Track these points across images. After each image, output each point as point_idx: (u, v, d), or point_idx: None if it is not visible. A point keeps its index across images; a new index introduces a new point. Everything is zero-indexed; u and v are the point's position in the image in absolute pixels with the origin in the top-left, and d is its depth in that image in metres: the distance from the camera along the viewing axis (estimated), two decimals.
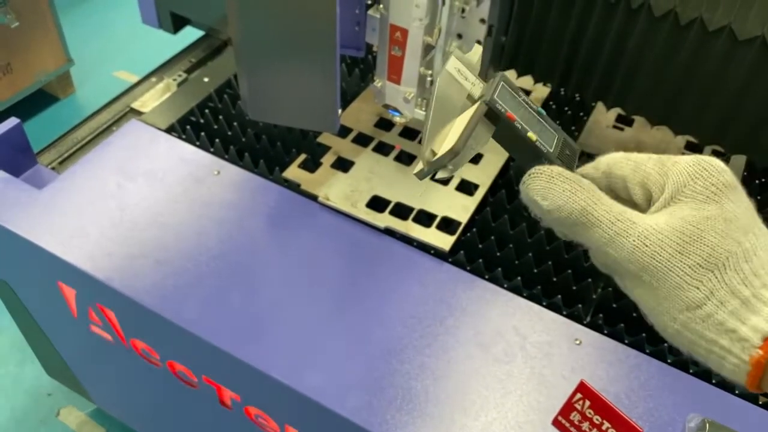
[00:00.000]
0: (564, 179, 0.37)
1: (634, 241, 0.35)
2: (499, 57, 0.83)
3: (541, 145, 0.40)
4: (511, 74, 0.87)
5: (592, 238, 0.36)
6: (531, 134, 0.40)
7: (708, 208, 0.35)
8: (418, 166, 0.46)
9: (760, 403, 0.72)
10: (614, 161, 0.39)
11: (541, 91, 1.06)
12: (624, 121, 1.02)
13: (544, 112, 0.42)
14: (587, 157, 0.96)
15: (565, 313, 0.78)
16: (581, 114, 1.04)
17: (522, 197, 0.38)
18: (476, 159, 0.95)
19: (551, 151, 0.40)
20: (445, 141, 0.43)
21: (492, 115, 0.41)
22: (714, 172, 0.36)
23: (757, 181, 0.94)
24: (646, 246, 0.34)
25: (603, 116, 1.02)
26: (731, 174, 0.36)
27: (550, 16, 0.78)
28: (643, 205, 0.38)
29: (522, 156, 0.40)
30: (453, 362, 0.72)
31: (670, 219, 0.35)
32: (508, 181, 0.94)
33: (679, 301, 0.34)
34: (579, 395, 0.63)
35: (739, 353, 0.33)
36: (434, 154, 0.44)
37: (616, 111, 1.02)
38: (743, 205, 0.35)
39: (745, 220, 0.35)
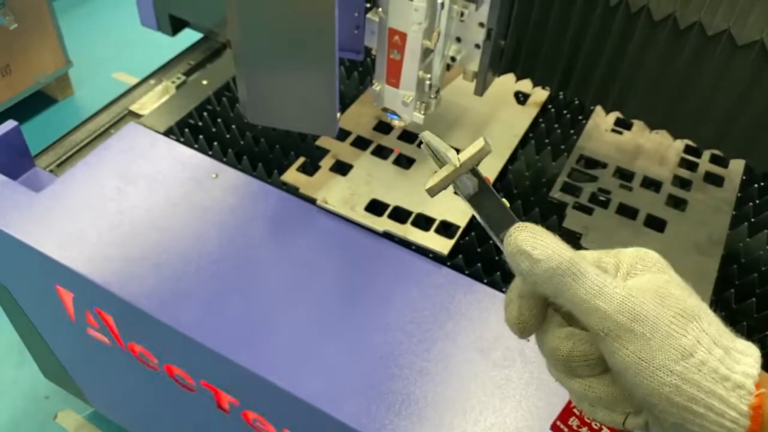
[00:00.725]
0: (548, 234, 0.37)
1: (622, 291, 0.35)
2: (498, 61, 0.83)
3: (513, 212, 0.40)
4: (509, 78, 0.87)
5: (580, 290, 0.35)
6: (505, 202, 0.41)
7: (663, 276, 0.37)
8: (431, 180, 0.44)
9: None
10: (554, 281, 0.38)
11: (540, 94, 1.06)
12: (623, 124, 1.02)
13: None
14: (586, 160, 0.96)
15: None
16: (580, 118, 1.04)
17: (507, 253, 0.37)
18: None
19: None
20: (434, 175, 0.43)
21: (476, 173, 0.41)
22: (655, 256, 0.38)
23: (755, 185, 0.94)
24: (634, 296, 0.35)
25: (602, 120, 1.02)
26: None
27: (549, 20, 0.78)
28: None
29: (495, 222, 0.40)
30: (452, 367, 0.72)
31: (637, 282, 0.36)
32: (506, 184, 0.94)
33: (673, 351, 0.34)
34: None
35: (736, 404, 0.33)
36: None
37: (614, 115, 1.02)
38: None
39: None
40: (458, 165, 0.41)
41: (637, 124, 1.02)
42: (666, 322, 0.34)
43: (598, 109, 1.03)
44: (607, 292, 0.35)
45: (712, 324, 0.35)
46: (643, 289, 0.36)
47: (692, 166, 0.97)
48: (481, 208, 0.41)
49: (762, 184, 0.95)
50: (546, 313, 0.40)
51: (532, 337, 0.43)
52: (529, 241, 0.36)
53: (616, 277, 0.37)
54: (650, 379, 0.34)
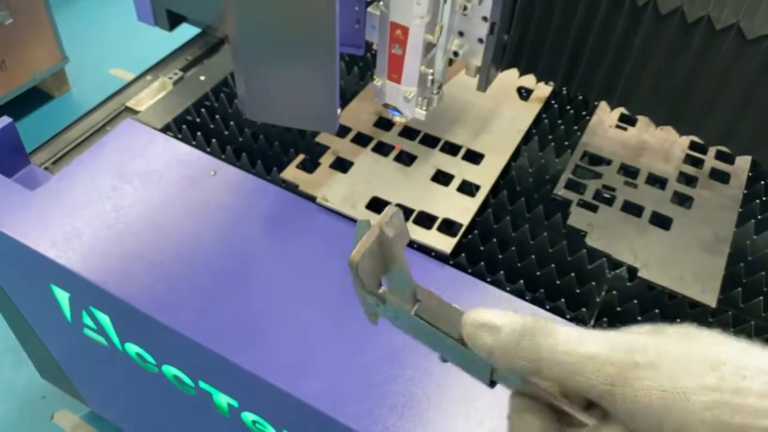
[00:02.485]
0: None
1: (603, 333, 0.30)
2: (501, 56, 0.82)
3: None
4: (512, 73, 0.86)
5: (558, 345, 0.31)
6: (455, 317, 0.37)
7: None
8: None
9: None
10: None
11: (543, 90, 1.05)
12: (627, 120, 1.01)
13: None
14: (590, 157, 0.94)
15: (568, 316, 0.76)
16: (584, 113, 1.03)
17: (468, 337, 0.34)
18: (477, 160, 0.94)
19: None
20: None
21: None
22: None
23: (762, 182, 0.93)
24: (621, 332, 0.30)
25: (606, 116, 1.01)
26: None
27: (553, 14, 0.77)
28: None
29: (445, 323, 0.37)
30: (456, 368, 0.71)
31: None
32: (509, 181, 0.92)
33: (696, 364, 0.28)
34: None
35: None
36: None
37: (619, 111, 1.01)
38: None
39: None
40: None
41: (642, 120, 1.01)
42: (673, 343, 0.28)
43: (603, 104, 1.02)
44: (589, 337, 0.30)
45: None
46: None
47: (698, 163, 0.95)
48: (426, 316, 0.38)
49: (762, 182, 0.93)
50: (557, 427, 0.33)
51: None
52: (484, 313, 0.33)
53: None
54: (685, 411, 0.26)
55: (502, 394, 0.70)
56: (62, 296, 0.87)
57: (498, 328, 0.32)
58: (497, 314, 0.33)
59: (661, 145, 0.97)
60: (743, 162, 0.95)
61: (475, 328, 0.33)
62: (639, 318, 0.78)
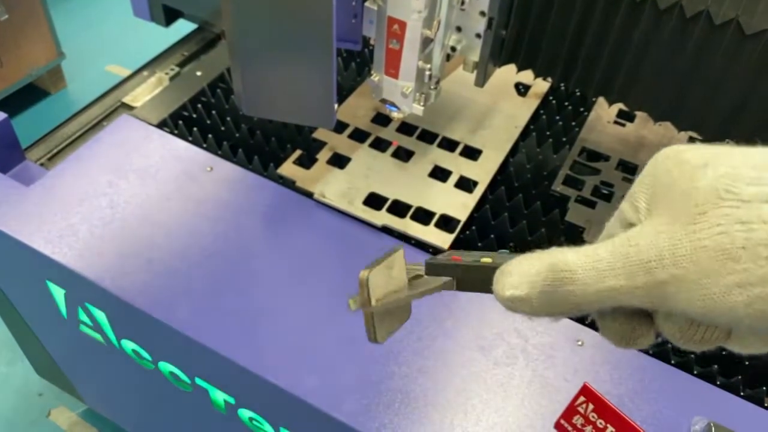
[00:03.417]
0: (518, 260, 0.32)
1: (614, 247, 0.30)
2: (499, 51, 0.81)
3: (502, 258, 0.35)
4: (510, 69, 0.85)
5: (587, 287, 0.30)
6: (486, 259, 0.36)
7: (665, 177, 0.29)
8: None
9: (766, 405, 0.70)
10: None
11: (541, 86, 1.04)
12: (626, 116, 1.00)
13: (490, 260, 0.37)
14: (588, 153, 0.94)
15: None
16: (582, 109, 1.02)
17: (509, 310, 0.33)
18: (475, 155, 0.93)
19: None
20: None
21: (435, 272, 0.38)
22: (662, 160, 0.30)
23: None
24: (629, 243, 0.29)
25: (604, 111, 1.01)
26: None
27: (552, 9, 0.76)
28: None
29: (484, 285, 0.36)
30: (452, 365, 0.71)
31: (599, 248, 0.31)
32: (507, 177, 0.92)
33: (718, 259, 0.26)
34: (582, 398, 0.61)
35: None
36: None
37: (617, 106, 1.00)
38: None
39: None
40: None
41: (640, 116, 1.00)
42: (683, 234, 0.27)
43: (601, 100, 1.01)
44: (604, 266, 0.29)
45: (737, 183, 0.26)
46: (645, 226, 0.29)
47: None
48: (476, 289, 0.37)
49: None
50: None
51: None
52: (508, 289, 0.32)
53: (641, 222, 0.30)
54: (729, 311, 0.26)
55: (497, 390, 0.70)
56: (58, 293, 0.87)
57: (528, 300, 0.32)
58: (519, 284, 0.32)
59: (659, 140, 0.97)
60: None
61: (509, 305, 0.33)
62: None
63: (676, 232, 0.27)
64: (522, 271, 0.32)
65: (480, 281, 0.36)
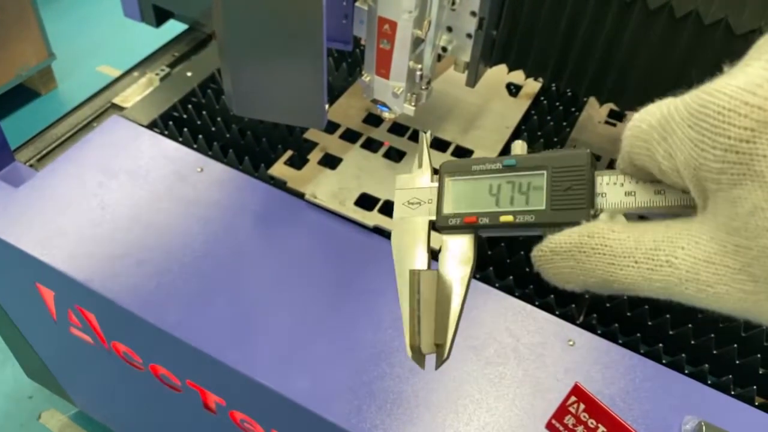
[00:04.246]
0: (562, 257, 0.29)
1: (687, 289, 0.26)
2: (490, 51, 0.81)
3: (523, 216, 0.32)
4: (501, 69, 0.85)
5: (642, 295, 0.29)
6: (505, 217, 0.32)
7: (741, 193, 0.24)
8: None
9: (756, 404, 0.71)
10: (630, 148, 0.29)
11: (532, 86, 1.05)
12: (616, 116, 1.01)
13: (513, 161, 0.33)
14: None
15: (558, 313, 0.76)
16: (573, 109, 1.02)
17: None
18: (466, 156, 0.93)
19: (543, 209, 0.31)
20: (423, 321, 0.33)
21: (449, 231, 0.34)
22: (721, 117, 0.24)
23: None
24: (705, 289, 0.26)
25: (595, 111, 1.01)
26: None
27: (542, 9, 0.76)
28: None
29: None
30: (444, 365, 0.70)
31: (715, 230, 0.25)
32: None
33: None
34: (573, 398, 0.61)
35: None
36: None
37: (608, 106, 1.01)
38: None
39: None
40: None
41: (631, 116, 1.01)
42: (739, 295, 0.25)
43: (592, 100, 1.02)
44: (667, 290, 0.27)
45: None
46: (716, 253, 0.26)
47: None
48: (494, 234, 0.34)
49: None
50: None
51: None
52: (556, 278, 0.30)
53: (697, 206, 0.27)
54: None
55: (489, 389, 0.70)
56: (48, 295, 0.86)
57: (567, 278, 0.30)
58: (564, 277, 0.30)
59: None
60: None
61: (552, 281, 0.31)
62: (629, 314, 0.78)
63: None
64: (569, 273, 0.29)
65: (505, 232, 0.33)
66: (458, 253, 0.34)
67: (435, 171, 0.38)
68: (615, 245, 0.28)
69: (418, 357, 0.33)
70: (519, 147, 0.34)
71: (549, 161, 0.32)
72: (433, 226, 0.36)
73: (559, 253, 0.29)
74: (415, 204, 0.36)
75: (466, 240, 0.34)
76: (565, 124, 1.00)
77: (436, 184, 0.36)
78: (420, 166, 0.38)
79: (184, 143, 0.92)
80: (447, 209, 0.35)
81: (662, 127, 0.27)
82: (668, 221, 0.28)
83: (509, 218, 0.32)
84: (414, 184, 0.37)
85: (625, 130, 0.29)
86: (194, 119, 0.98)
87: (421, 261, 0.35)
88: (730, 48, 0.69)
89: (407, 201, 0.37)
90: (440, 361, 0.34)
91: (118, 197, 0.84)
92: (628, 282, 0.28)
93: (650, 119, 0.28)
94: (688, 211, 0.28)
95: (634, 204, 0.30)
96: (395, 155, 0.93)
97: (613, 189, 0.31)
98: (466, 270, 0.34)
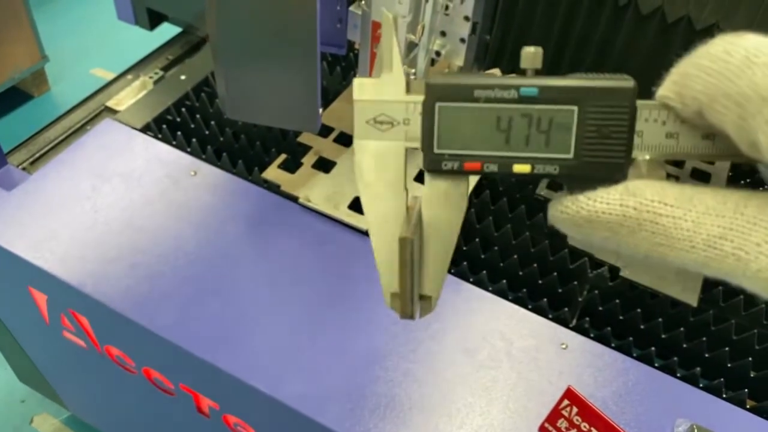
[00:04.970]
0: (596, 226, 0.24)
1: (749, 284, 0.23)
2: (483, 55, 0.82)
3: (544, 166, 0.26)
4: (495, 73, 0.86)
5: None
6: (520, 165, 0.26)
7: None
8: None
9: (748, 407, 0.71)
10: (707, 99, 0.23)
11: None
12: None
13: (535, 90, 0.25)
14: None
15: (550, 316, 0.77)
16: None
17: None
18: None
19: (570, 158, 0.25)
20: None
21: (443, 175, 0.27)
22: None
23: (741, 182, 0.94)
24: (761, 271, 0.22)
25: None
26: None
27: (535, 14, 0.77)
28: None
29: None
30: (438, 368, 0.71)
31: None
32: (491, 181, 0.92)
33: None
34: (566, 402, 0.62)
35: None
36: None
37: None
38: None
39: None
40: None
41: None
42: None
43: None
44: (716, 268, 0.23)
45: None
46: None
47: (678, 163, 0.96)
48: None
49: (748, 180, 0.94)
50: None
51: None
52: (580, 239, 0.25)
53: None
54: None
55: (482, 393, 0.70)
56: (40, 298, 0.86)
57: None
58: (592, 239, 0.25)
59: None
60: (723, 162, 0.96)
61: (574, 240, 0.28)
62: (621, 317, 0.78)
63: None
64: (602, 239, 0.25)
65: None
66: (450, 196, 0.29)
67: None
68: (668, 224, 0.23)
69: (404, 307, 0.29)
70: (531, 55, 0.27)
71: (582, 93, 0.25)
72: (415, 161, 0.29)
73: (594, 223, 0.24)
74: (385, 124, 0.27)
75: (461, 182, 0.28)
76: None
77: (414, 98, 0.27)
78: (389, 68, 0.27)
79: (178, 147, 0.92)
80: (439, 146, 0.27)
81: None
82: (739, 198, 0.23)
83: (525, 167, 0.26)
84: (382, 95, 0.27)
85: (707, 68, 0.22)
86: (188, 122, 0.98)
87: (397, 204, 0.29)
88: None
89: (373, 118, 0.27)
90: (425, 313, 0.30)
91: (111, 201, 0.84)
92: (679, 263, 0.24)
93: (765, 85, 0.21)
94: (738, 159, 0.24)
95: (675, 149, 0.25)
96: None
97: (652, 128, 0.25)
98: (459, 216, 0.29)
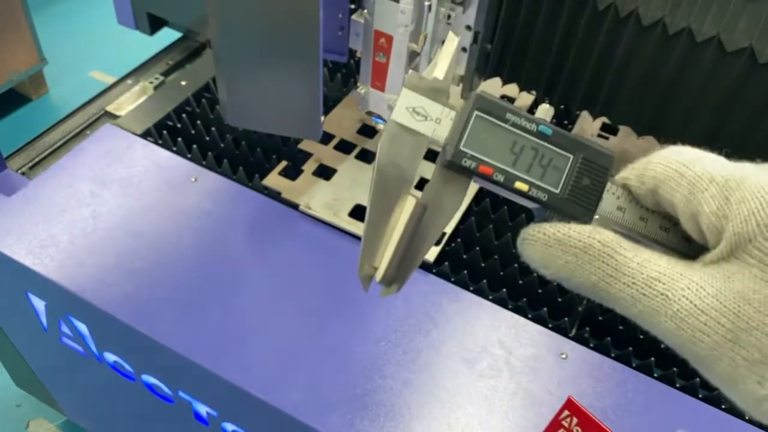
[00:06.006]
0: (564, 248, 0.29)
1: (667, 323, 0.27)
2: (485, 65, 0.82)
3: (537, 191, 0.31)
4: (495, 82, 0.86)
5: (616, 307, 0.29)
6: (520, 183, 0.31)
7: None
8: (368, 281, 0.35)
9: (747, 418, 0.71)
10: (664, 178, 0.29)
11: (526, 98, 1.05)
12: (609, 130, 1.01)
13: (550, 131, 0.31)
14: None
15: (550, 325, 0.77)
16: (566, 123, 1.03)
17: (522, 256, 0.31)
18: None
19: (556, 193, 0.31)
20: (389, 244, 0.34)
21: (458, 170, 0.31)
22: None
23: None
24: (683, 330, 0.27)
25: (588, 125, 1.02)
26: None
27: (537, 24, 0.77)
28: (699, 239, 0.29)
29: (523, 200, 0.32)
30: (437, 378, 0.71)
31: (723, 290, 0.26)
32: (491, 191, 0.92)
33: (737, 394, 0.26)
34: (566, 412, 0.62)
35: None
36: (374, 269, 0.34)
37: (601, 120, 1.01)
38: None
39: None
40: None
41: (624, 130, 1.01)
42: (728, 363, 0.26)
43: (585, 114, 1.02)
44: (647, 320, 0.28)
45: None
46: (715, 309, 0.27)
47: None
48: (500, 192, 0.32)
49: None
50: None
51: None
52: (539, 261, 0.30)
53: (712, 253, 0.28)
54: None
55: (481, 403, 0.70)
56: (39, 304, 0.85)
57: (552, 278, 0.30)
58: (551, 265, 0.30)
59: (642, 154, 0.98)
60: None
61: (529, 261, 0.31)
62: (620, 327, 0.78)
63: None
64: (563, 265, 0.29)
65: (512, 195, 0.32)
66: (453, 192, 0.32)
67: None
68: (620, 260, 0.28)
69: (385, 272, 0.34)
70: (544, 111, 0.33)
71: (579, 148, 0.31)
72: (433, 152, 0.33)
73: (564, 245, 0.29)
74: (420, 116, 0.32)
75: (465, 183, 0.32)
76: None
77: (451, 104, 0.32)
78: (440, 74, 0.33)
79: (178, 153, 0.92)
80: (464, 145, 0.31)
81: (726, 187, 0.27)
82: (670, 257, 0.29)
83: (524, 186, 0.31)
84: (427, 93, 0.33)
85: (665, 159, 0.29)
86: (188, 128, 0.98)
87: (409, 182, 0.33)
88: (721, 64, 0.70)
89: (413, 107, 0.32)
90: (386, 294, 0.35)
91: (110, 207, 0.84)
92: (616, 296, 0.29)
93: (713, 172, 0.28)
94: (674, 248, 0.31)
95: (620, 220, 0.31)
96: None
97: (607, 197, 0.31)
98: (454, 209, 0.33)
